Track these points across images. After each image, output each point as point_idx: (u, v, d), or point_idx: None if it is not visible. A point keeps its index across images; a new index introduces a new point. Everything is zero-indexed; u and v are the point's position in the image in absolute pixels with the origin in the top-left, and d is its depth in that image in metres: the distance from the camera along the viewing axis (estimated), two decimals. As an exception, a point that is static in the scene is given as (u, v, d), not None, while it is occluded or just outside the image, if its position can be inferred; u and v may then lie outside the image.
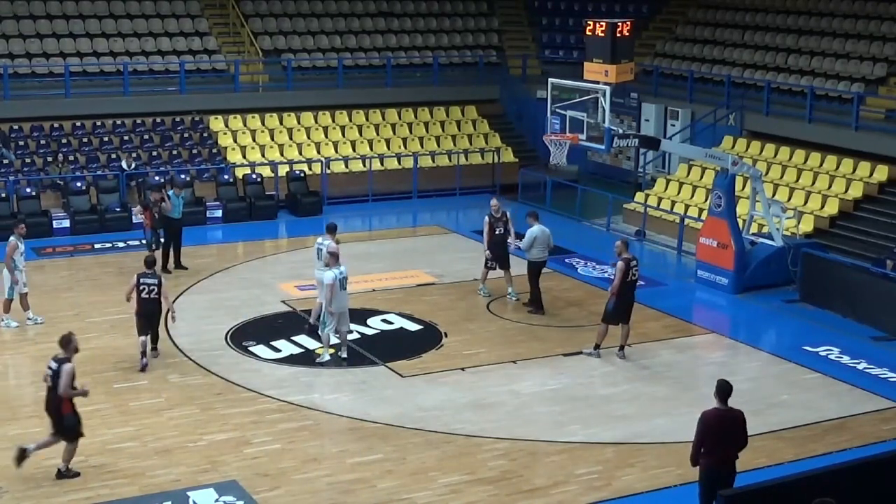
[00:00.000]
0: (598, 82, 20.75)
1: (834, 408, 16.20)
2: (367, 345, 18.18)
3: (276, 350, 17.93)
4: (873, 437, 15.19)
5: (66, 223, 25.15)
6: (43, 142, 27.65)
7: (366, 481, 13.54)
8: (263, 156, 29.06)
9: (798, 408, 16.17)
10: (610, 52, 20.57)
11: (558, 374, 17.23)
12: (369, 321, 19.29)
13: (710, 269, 22.05)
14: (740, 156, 25.37)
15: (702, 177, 27.09)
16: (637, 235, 25.81)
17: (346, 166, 29.34)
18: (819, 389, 16.97)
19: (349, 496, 13.20)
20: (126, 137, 28.41)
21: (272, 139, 29.69)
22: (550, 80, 21.94)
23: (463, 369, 17.21)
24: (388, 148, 30.41)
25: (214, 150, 28.76)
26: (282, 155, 29.21)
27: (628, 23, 20.90)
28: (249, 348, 18.02)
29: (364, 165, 29.23)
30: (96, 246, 24.09)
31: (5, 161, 26.56)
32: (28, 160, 26.97)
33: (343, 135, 30.49)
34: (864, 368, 17.78)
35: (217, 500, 12.98)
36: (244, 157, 28.93)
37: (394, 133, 30.99)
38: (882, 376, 17.46)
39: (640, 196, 27.46)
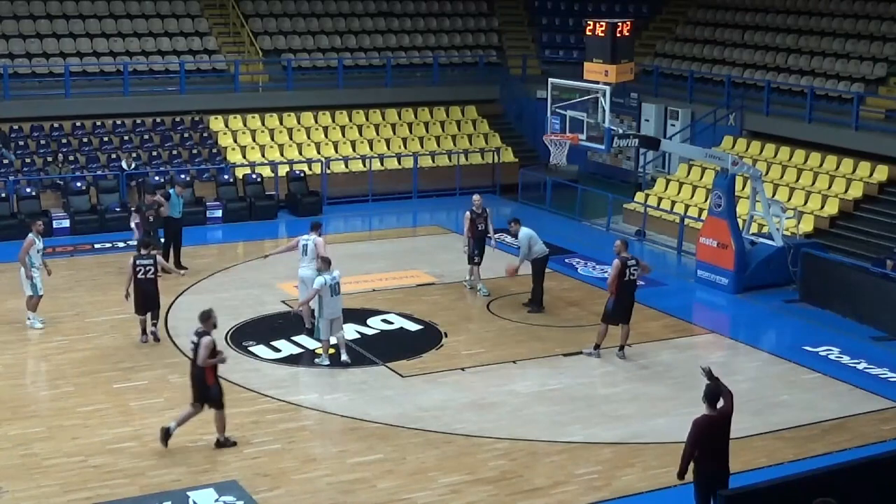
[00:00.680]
0: (598, 82, 20.76)
1: (834, 408, 16.20)
2: (367, 345, 18.18)
3: (276, 350, 17.94)
4: (873, 437, 15.19)
5: (66, 223, 25.16)
6: (43, 142, 27.65)
7: (366, 481, 13.54)
8: (263, 156, 29.06)
9: (798, 408, 16.17)
10: (610, 52, 20.57)
11: (558, 374, 17.24)
12: (369, 321, 19.29)
13: (710, 269, 22.05)
14: (740, 156, 25.36)
15: (702, 177, 27.09)
16: (637, 235, 25.82)
17: (346, 166, 29.34)
18: (819, 389, 16.97)
19: (349, 496, 13.20)
20: (126, 137, 28.41)
21: (272, 139, 29.70)
22: (550, 80, 21.94)
23: (463, 369, 17.21)
24: (388, 148, 30.41)
25: (214, 150, 28.76)
26: (282, 155, 29.21)
27: (628, 23, 20.91)
28: (249, 348, 18.02)
29: (364, 165, 29.23)
30: (96, 246, 24.10)
31: (5, 161, 26.56)
32: (28, 160, 26.97)
33: (343, 135, 30.49)
34: (864, 368, 17.78)
35: (217, 500, 12.98)
36: (244, 157, 28.93)
37: (394, 133, 30.99)
38: (882, 376, 17.46)
39: (640, 196, 27.46)
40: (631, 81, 24.21)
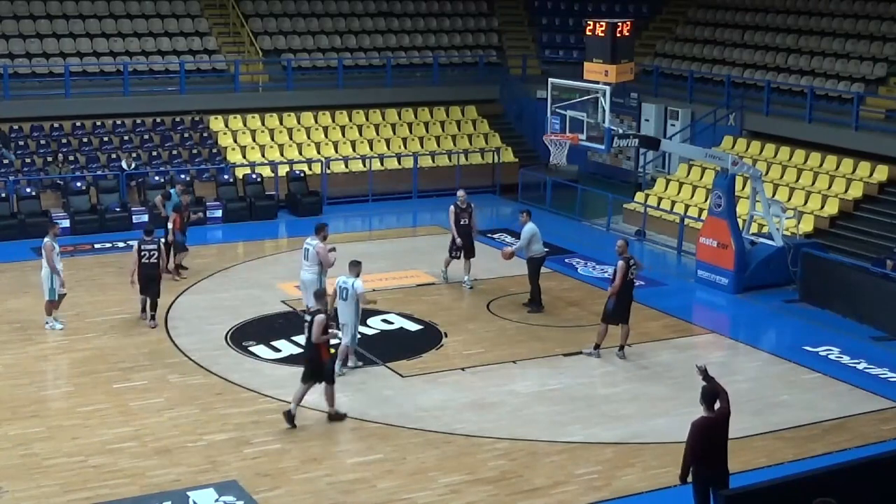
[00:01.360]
0: (598, 82, 20.75)
1: (834, 408, 16.20)
2: (367, 345, 18.17)
3: (276, 350, 17.94)
4: (873, 437, 15.19)
5: (66, 223, 25.12)
6: (43, 142, 27.65)
7: (366, 481, 13.55)
8: (263, 156, 29.06)
9: (798, 408, 16.17)
10: (610, 52, 20.57)
11: (558, 374, 17.24)
12: (369, 321, 19.28)
13: (710, 269, 22.05)
14: (740, 156, 25.37)
15: (702, 177, 27.09)
16: (637, 235, 25.81)
17: (346, 166, 29.34)
18: (819, 389, 16.97)
19: (349, 496, 13.20)
20: (126, 137, 28.41)
21: (272, 139, 29.70)
22: (550, 80, 21.93)
23: (463, 369, 17.21)
24: (388, 148, 30.41)
25: (214, 150, 28.76)
26: (282, 155, 29.21)
27: (628, 23, 20.90)
28: (249, 348, 18.02)
29: (364, 165, 29.23)
30: (96, 246, 24.10)
31: (5, 161, 26.56)
32: (28, 160, 26.97)
33: (343, 135, 30.49)
34: (864, 368, 17.78)
35: (217, 500, 12.98)
36: (244, 157, 28.93)
37: (394, 133, 30.99)
38: (882, 376, 17.46)
39: (640, 196, 27.46)
40: (631, 81, 24.21)
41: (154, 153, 28.10)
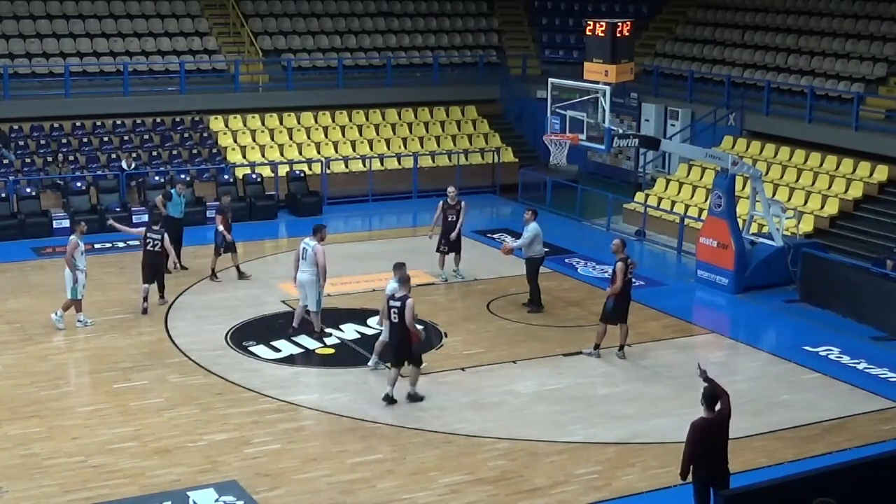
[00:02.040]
0: (598, 82, 20.75)
1: (834, 408, 16.20)
2: (368, 345, 18.17)
3: (276, 350, 17.93)
4: (873, 437, 15.19)
5: (66, 223, 25.12)
6: (43, 142, 27.65)
7: (366, 481, 13.55)
8: (263, 156, 29.06)
9: (798, 408, 16.17)
10: (610, 52, 20.57)
11: (558, 374, 17.24)
12: (369, 321, 19.28)
13: (710, 269, 22.05)
14: (740, 156, 25.36)
15: (702, 177, 27.09)
16: (637, 235, 25.81)
17: (346, 166, 29.34)
18: (819, 389, 16.97)
19: (349, 496, 13.20)
20: (126, 137, 28.42)
21: (272, 139, 29.70)
22: (550, 80, 21.93)
23: (463, 369, 17.21)
24: (388, 148, 30.41)
25: (214, 150, 28.76)
26: (282, 155, 29.21)
27: (628, 23, 20.90)
28: (249, 348, 18.02)
29: (364, 165, 29.23)
30: (96, 246, 24.03)
31: (5, 161, 26.56)
32: (28, 160, 26.97)
33: (343, 135, 30.49)
34: (864, 368, 17.78)
35: (217, 500, 12.98)
36: (244, 157, 28.93)
37: (394, 133, 30.99)
38: (882, 376, 17.46)
39: (640, 196, 27.46)
40: (631, 81, 24.19)
41: (154, 153, 28.11)
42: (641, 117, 30.88)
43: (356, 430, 15.03)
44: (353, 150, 29.97)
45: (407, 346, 15.72)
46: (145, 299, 19.51)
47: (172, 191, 22.63)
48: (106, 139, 28.22)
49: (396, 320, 15.62)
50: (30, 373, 16.84)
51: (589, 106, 20.94)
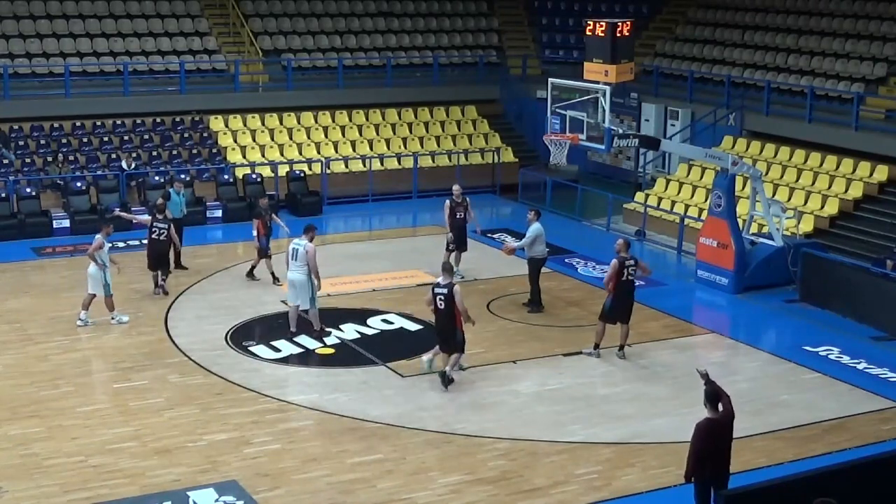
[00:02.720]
0: (598, 82, 20.75)
1: (834, 408, 16.20)
2: (368, 345, 18.18)
3: (276, 350, 17.93)
4: (873, 437, 15.19)
5: (66, 223, 25.15)
6: (43, 142, 27.66)
7: (366, 481, 13.55)
8: (263, 156, 29.06)
9: (798, 408, 16.17)
10: (610, 52, 20.56)
11: (558, 374, 17.24)
12: (369, 321, 19.30)
13: (710, 269, 22.05)
14: (740, 156, 25.37)
15: (702, 177, 27.10)
16: (637, 235, 25.81)
17: (346, 166, 29.34)
18: (819, 389, 16.97)
19: (349, 496, 13.20)
20: (126, 137, 28.42)
21: (272, 139, 29.70)
22: (550, 80, 21.92)
23: (463, 369, 17.20)
24: (388, 148, 30.42)
25: (214, 150, 28.76)
26: (282, 155, 29.21)
27: (628, 23, 20.90)
28: (249, 348, 18.02)
29: (364, 165, 29.23)
30: (96, 246, 24.07)
31: (5, 161, 26.57)
32: (28, 160, 26.97)
33: (343, 135, 30.49)
34: (864, 368, 17.78)
35: (217, 500, 12.98)
36: (244, 157, 28.93)
37: (394, 133, 31.00)
38: (882, 376, 17.46)
39: (640, 196, 27.46)
40: (631, 81, 24.19)
41: (154, 153, 28.11)
42: (641, 117, 30.89)
43: (356, 430, 15.03)
44: (353, 150, 29.97)
45: (452, 331, 16.19)
46: (156, 283, 20.52)
47: (171, 190, 22.63)
48: (106, 139, 28.23)
49: (442, 307, 16.02)
50: (30, 373, 16.84)
51: (589, 106, 20.94)
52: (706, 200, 24.48)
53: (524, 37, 35.82)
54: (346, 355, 17.79)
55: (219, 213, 26.48)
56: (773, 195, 24.63)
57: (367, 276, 22.02)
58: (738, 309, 21.21)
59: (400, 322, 19.48)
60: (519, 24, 36.22)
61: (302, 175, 28.21)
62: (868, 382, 17.18)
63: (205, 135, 29.24)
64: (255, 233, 21.43)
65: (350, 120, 30.87)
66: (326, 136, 30.28)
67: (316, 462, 14.05)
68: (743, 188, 24.12)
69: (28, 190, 25.62)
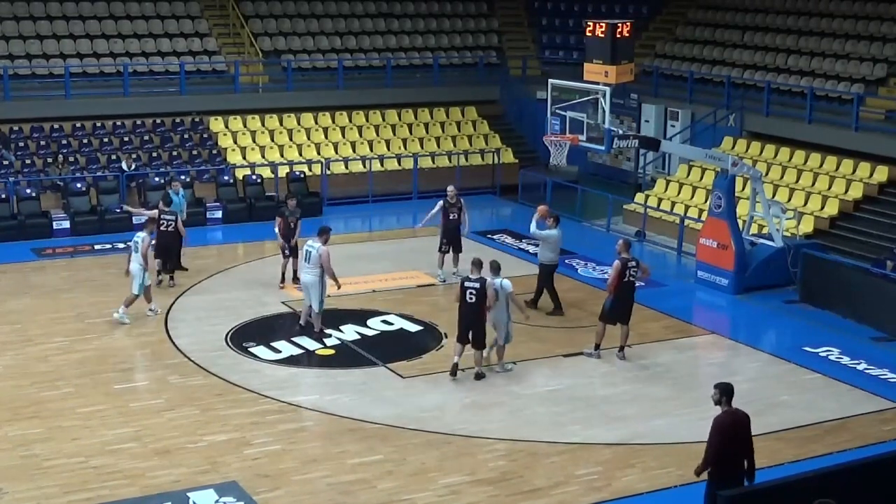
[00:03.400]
0: (598, 83, 20.75)
1: (834, 408, 16.20)
2: (368, 345, 18.18)
3: (277, 351, 17.93)
4: (873, 437, 15.19)
5: (66, 224, 25.14)
6: (43, 143, 27.66)
7: (366, 482, 13.55)
8: (263, 157, 29.07)
9: (798, 408, 16.17)
10: (610, 52, 20.57)
11: (558, 374, 17.24)
12: (369, 322, 19.30)
13: (710, 269, 22.05)
14: (740, 156, 25.37)
15: (702, 178, 27.09)
16: (637, 236, 25.81)
17: (346, 167, 29.35)
18: (819, 390, 16.97)
19: (349, 497, 13.20)
20: (126, 138, 28.43)
21: (272, 140, 29.70)
22: (550, 80, 21.93)
23: (463, 370, 17.19)
24: (388, 149, 30.42)
25: (214, 151, 28.76)
26: (282, 156, 29.22)
27: (628, 23, 20.90)
28: (249, 349, 18.02)
29: (364, 166, 29.24)
30: (96, 247, 24.09)
31: (5, 162, 26.57)
32: (28, 161, 26.97)
33: (343, 136, 30.50)
34: (864, 369, 17.78)
35: (217, 501, 12.98)
36: (244, 158, 28.94)
37: (394, 134, 31.00)
38: (882, 377, 17.46)
39: (640, 197, 27.46)
40: (631, 82, 24.15)
41: (154, 154, 28.11)
42: (641, 118, 30.89)
43: (356, 431, 15.03)
44: (353, 150, 29.98)
45: (481, 325, 16.52)
46: (159, 273, 20.90)
47: (170, 191, 22.60)
48: (106, 140, 28.23)
49: (472, 301, 16.32)
50: (30, 373, 16.84)
51: (589, 107, 20.94)
52: (706, 201, 24.48)
53: (524, 38, 35.82)
54: (346, 356, 17.80)
55: (219, 214, 26.47)
56: (773, 196, 24.63)
57: (368, 277, 22.03)
58: (738, 310, 21.21)
59: (400, 323, 19.48)
60: (519, 25, 36.23)
61: (302, 176, 28.21)
62: (868, 383, 17.18)
63: (205, 136, 29.24)
64: (276, 230, 21.05)
65: (350, 121, 30.88)
66: (326, 136, 30.28)
67: (316, 463, 14.05)
68: (743, 189, 24.11)
69: (28, 191, 25.62)
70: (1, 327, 18.84)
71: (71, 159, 27.23)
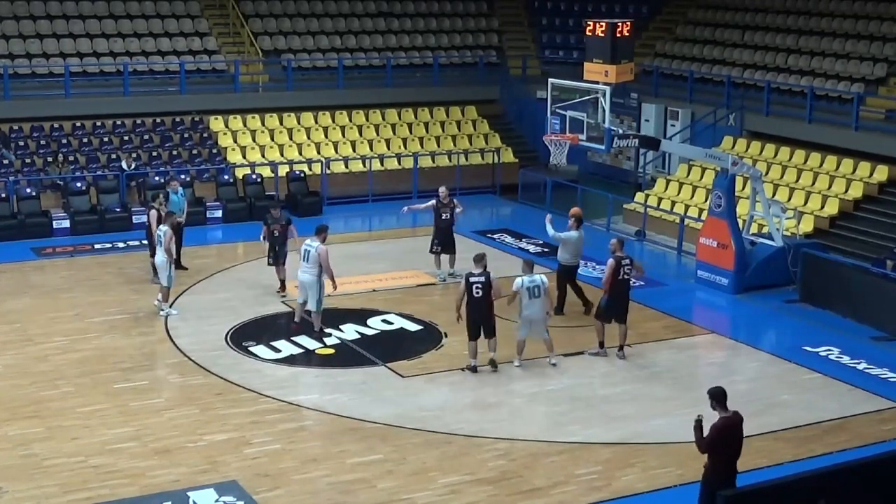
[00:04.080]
0: (598, 82, 20.76)
1: (834, 408, 16.20)
2: (367, 345, 18.18)
3: (276, 350, 17.93)
4: (873, 437, 15.19)
5: (66, 223, 25.14)
6: (43, 142, 27.66)
7: (366, 481, 13.55)
8: (263, 156, 29.07)
9: (798, 408, 16.17)
10: (610, 52, 20.57)
11: (558, 374, 17.24)
12: (369, 321, 19.30)
13: (710, 269, 22.05)
14: (740, 156, 25.37)
15: (702, 177, 27.09)
16: (637, 235, 25.82)
17: (346, 166, 29.34)
18: (819, 390, 16.97)
19: (349, 496, 13.20)
20: (126, 138, 28.42)
21: (272, 139, 29.70)
22: (550, 80, 21.94)
23: (463, 369, 17.20)
24: (388, 148, 30.42)
25: (214, 151, 28.76)
26: (282, 155, 29.22)
27: (628, 23, 20.90)
28: (249, 348, 18.02)
29: (364, 166, 29.24)
30: (96, 246, 24.09)
31: (5, 161, 26.56)
32: (28, 160, 26.97)
33: (343, 135, 30.50)
34: (864, 369, 17.78)
35: (217, 501, 12.98)
36: (244, 157, 28.94)
37: (394, 133, 31.00)
38: (882, 376, 17.46)
39: (640, 196, 27.46)
40: (631, 82, 24.17)
41: (154, 153, 28.11)
42: (641, 117, 30.88)
43: (356, 431, 15.03)
44: (353, 150, 29.98)
45: (490, 317, 16.91)
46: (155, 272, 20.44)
47: (169, 191, 22.58)
48: (106, 139, 28.23)
49: (479, 295, 16.71)
50: (29, 373, 16.84)
51: (589, 106, 20.95)
52: (706, 201, 24.48)
53: (524, 37, 35.81)
54: (346, 356, 17.80)
55: (219, 214, 26.48)
56: (773, 195, 24.63)
57: (367, 277, 22.02)
58: (738, 309, 21.21)
59: (400, 322, 19.48)
60: (519, 25, 36.22)
61: (302, 175, 28.21)
62: (868, 383, 17.18)
63: (205, 135, 29.24)
64: (261, 238, 21.01)
65: (350, 120, 30.87)
66: (326, 136, 30.28)
67: (316, 462, 14.05)
68: (743, 188, 24.11)
69: (28, 190, 25.62)
70: (1, 327, 18.84)
71: (71, 159, 27.23)
